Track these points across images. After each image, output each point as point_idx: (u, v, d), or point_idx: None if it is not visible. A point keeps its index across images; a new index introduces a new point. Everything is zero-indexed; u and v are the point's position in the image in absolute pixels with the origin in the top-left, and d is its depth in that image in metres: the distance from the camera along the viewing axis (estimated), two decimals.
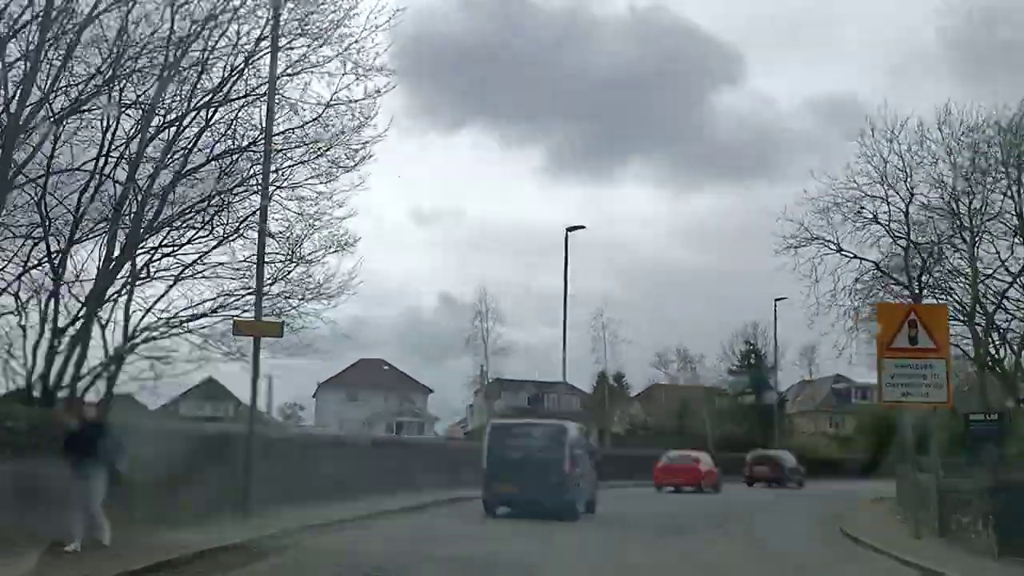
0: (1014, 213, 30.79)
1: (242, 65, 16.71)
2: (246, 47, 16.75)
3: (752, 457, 46.56)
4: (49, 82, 15.17)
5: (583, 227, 40.07)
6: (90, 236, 16.55)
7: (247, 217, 17.62)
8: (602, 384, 70.40)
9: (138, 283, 16.88)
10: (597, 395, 70.40)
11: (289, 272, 18.11)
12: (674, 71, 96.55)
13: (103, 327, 17.22)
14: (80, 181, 15.86)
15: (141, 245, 16.80)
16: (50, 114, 15.19)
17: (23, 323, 15.54)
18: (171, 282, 17.27)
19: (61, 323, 15.79)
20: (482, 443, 21.96)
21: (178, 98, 16.57)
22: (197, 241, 17.42)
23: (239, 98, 17.05)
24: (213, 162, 17.03)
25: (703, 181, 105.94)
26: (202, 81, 16.49)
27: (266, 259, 17.10)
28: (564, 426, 22.06)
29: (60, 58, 15.23)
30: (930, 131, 30.74)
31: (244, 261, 17.65)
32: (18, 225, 15.95)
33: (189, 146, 16.92)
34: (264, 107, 16.84)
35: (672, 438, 62.40)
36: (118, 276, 16.48)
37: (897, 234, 32.76)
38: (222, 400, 62.78)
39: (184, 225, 17.18)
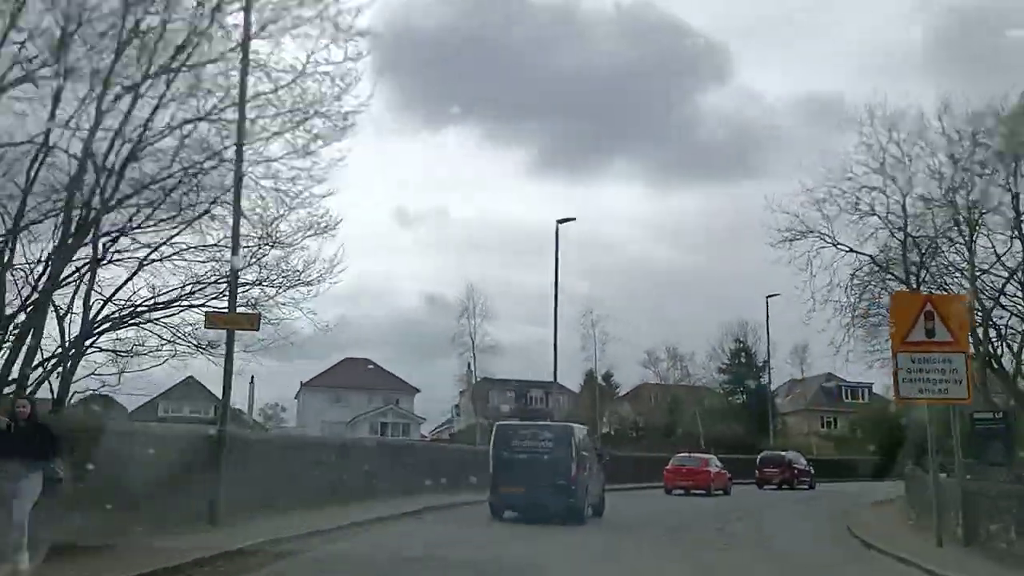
0: (1011, 206, 29.86)
1: (208, 24, 15.15)
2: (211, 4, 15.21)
3: (762, 459, 46.20)
4: None
5: (573, 219, 38.91)
6: (45, 217, 15.10)
7: (218, 197, 16.09)
8: (590, 383, 69.51)
9: (100, 266, 15.47)
10: (585, 394, 69.50)
11: (264, 256, 16.60)
12: (660, 69, 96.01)
13: (60, 317, 15.88)
14: (28, 155, 14.37)
15: (99, 225, 15.38)
16: None
17: None
18: (134, 267, 15.89)
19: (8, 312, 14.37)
20: (488, 446, 21.73)
21: (138, 63, 14.99)
22: (163, 222, 15.97)
23: (208, 62, 15.40)
24: (178, 130, 15.47)
25: (690, 179, 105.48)
26: (163, 43, 14.87)
27: (240, 243, 15.54)
28: (571, 428, 21.97)
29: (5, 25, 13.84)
30: (929, 121, 29.85)
31: (215, 246, 16.22)
32: None
33: (150, 114, 15.28)
34: (234, 73, 15.28)
35: (662, 438, 61.60)
36: (73, 259, 15.07)
37: (895, 226, 32.08)
38: (202, 400, 61.53)
39: (147, 204, 15.68)
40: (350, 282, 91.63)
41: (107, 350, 16.00)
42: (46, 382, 15.59)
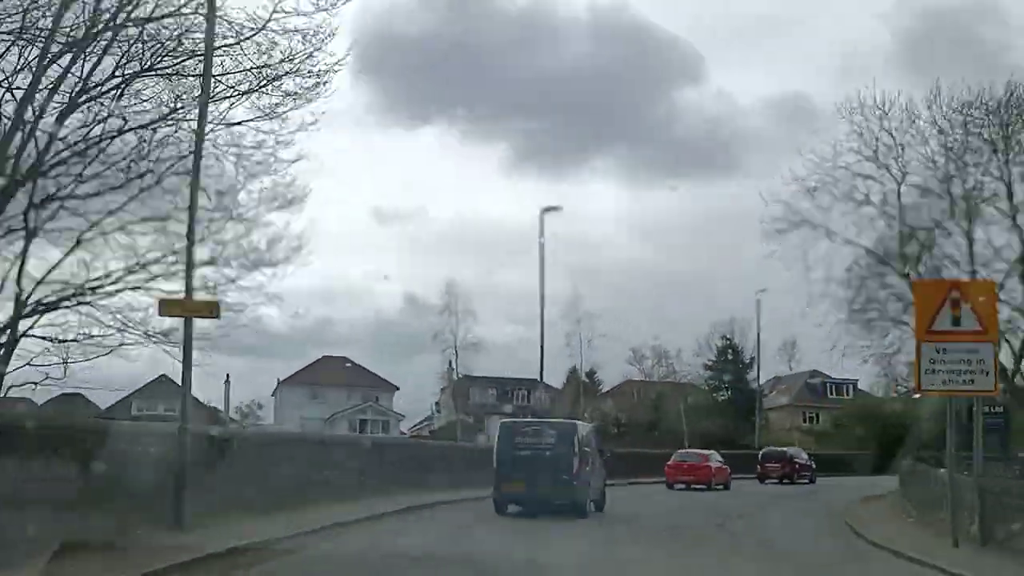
0: (1006, 196, 29.41)
1: None
2: None
3: (764, 454, 46.71)
4: None
5: (559, 208, 37.88)
6: None
7: (173, 164, 14.51)
8: (573, 380, 68.66)
9: (33, 240, 13.95)
10: (568, 391, 68.62)
11: (220, 231, 14.74)
12: (635, 69, 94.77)
13: None
14: None
15: (33, 194, 13.91)
16: None
17: None
18: (72, 243, 14.23)
19: None
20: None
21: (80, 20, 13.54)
22: (108, 192, 14.31)
23: (163, 16, 13.93)
24: (121, 87, 13.98)
25: (668, 177, 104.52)
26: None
27: (197, 217, 13.92)
28: (574, 424, 22.52)
29: None
30: (918, 109, 29.73)
31: (165, 219, 14.50)
32: None
33: (91, 68, 13.84)
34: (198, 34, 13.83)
35: (645, 434, 60.81)
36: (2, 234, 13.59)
37: (891, 216, 31.42)
38: (177, 399, 59.94)
39: (90, 173, 14.18)
40: (330, 281, 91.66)
41: (42, 337, 14.46)
42: None
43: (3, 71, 13.44)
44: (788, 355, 71.72)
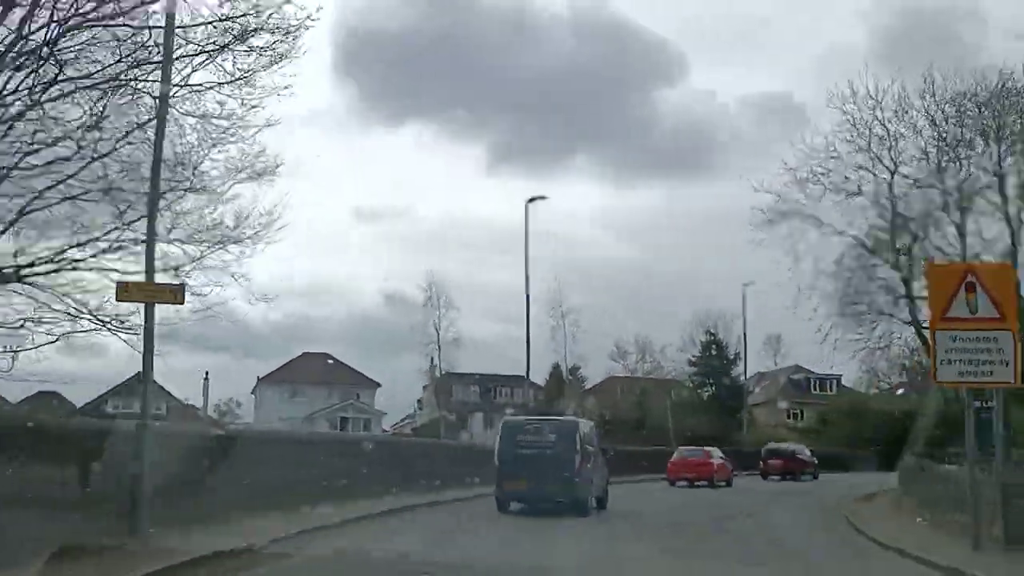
0: (997, 189, 28.83)
1: None
2: None
3: (767, 450, 46.85)
4: None
5: (545, 197, 36.87)
6: None
7: (129, 132, 13.20)
8: (556, 376, 67.88)
9: None
10: (551, 388, 67.81)
11: (182, 202, 13.57)
12: (616, 66, 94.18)
13: None
14: None
15: None
16: None
17: None
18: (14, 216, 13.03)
19: None
20: (494, 442, 22.13)
21: None
22: (59, 163, 12.97)
23: None
24: (58, 38, 12.50)
25: (650, 175, 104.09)
26: None
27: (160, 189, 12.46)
28: (575, 422, 22.74)
29: None
30: (911, 99, 29.14)
31: (118, 190, 13.22)
32: None
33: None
34: None
35: (631, 431, 59.94)
36: None
37: (883, 207, 30.85)
38: (154, 397, 58.70)
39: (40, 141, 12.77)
40: (311, 280, 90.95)
41: None
42: None
43: None
44: (773, 350, 71.06)
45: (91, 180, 13.24)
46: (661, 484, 36.24)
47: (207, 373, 56.18)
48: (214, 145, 14.16)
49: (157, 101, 12.61)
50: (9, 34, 12.49)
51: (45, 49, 12.42)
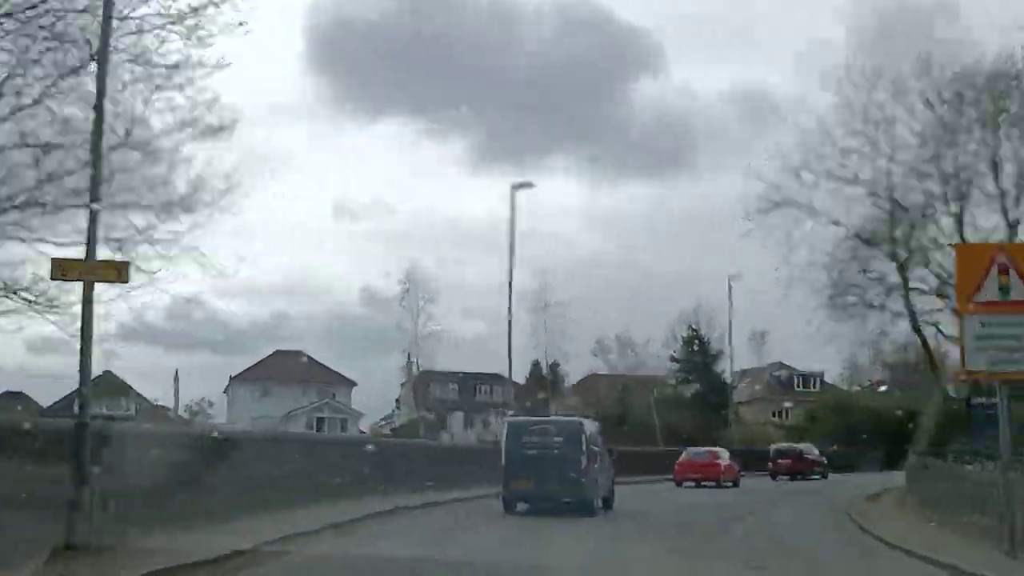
0: (993, 178, 28.49)
1: None
2: None
3: (776, 450, 47.22)
4: None
5: (531, 184, 35.45)
6: None
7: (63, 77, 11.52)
8: (536, 374, 66.74)
9: None
10: (531, 385, 66.60)
11: (124, 162, 11.88)
12: (597, 62, 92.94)
13: None
14: None
15: None
16: None
17: None
18: None
19: None
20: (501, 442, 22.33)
21: None
22: None
23: None
24: None
25: (631, 171, 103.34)
26: None
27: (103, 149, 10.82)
28: (581, 422, 22.72)
29: None
30: (908, 83, 28.76)
31: (44, 146, 11.56)
32: None
33: None
34: None
35: (613, 428, 58.71)
36: None
37: (878, 196, 30.09)
38: (119, 396, 57.15)
39: None
40: (288, 278, 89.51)
41: None
42: None
43: None
44: (758, 345, 70.03)
45: (15, 136, 11.57)
46: (667, 484, 36.48)
47: (176, 372, 55.11)
48: (158, 88, 12.52)
49: (99, 35, 10.88)
50: None
51: None
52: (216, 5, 12.41)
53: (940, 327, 31.64)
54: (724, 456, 39.77)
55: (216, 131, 13.17)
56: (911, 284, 30.96)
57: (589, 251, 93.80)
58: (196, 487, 14.21)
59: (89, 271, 11.14)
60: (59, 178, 11.96)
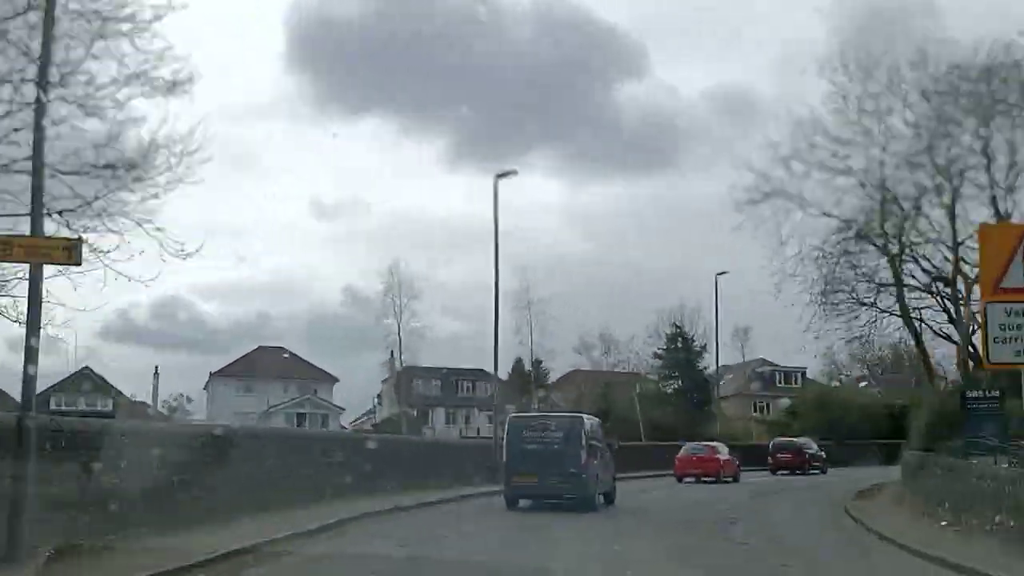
0: (985, 169, 28.13)
1: None
2: None
3: (775, 445, 46.96)
4: None
5: (515, 172, 34.73)
6: None
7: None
8: (519, 370, 66.39)
9: None
10: (514, 381, 66.24)
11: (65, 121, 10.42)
12: (577, 61, 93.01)
13: None
14: None
15: None
16: None
17: None
18: None
19: None
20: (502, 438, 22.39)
21: None
22: None
23: None
24: None
25: (611, 169, 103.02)
26: None
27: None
28: (581, 418, 22.70)
29: None
30: (902, 73, 28.29)
31: None
32: None
33: None
34: None
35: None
36: None
37: (871, 187, 29.84)
38: (98, 392, 56.33)
39: None
40: (269, 277, 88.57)
41: None
42: None
43: None
44: (741, 342, 69.97)
45: None
46: (667, 480, 36.19)
47: (156, 368, 54.63)
48: (99, 37, 11.22)
49: None
50: None
51: None
52: None
53: (927, 322, 31.73)
54: (723, 451, 39.42)
55: (170, 87, 11.83)
56: (903, 280, 30.85)
57: (570, 249, 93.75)
58: (196, 487, 13.99)
59: (34, 251, 9.93)
60: None
